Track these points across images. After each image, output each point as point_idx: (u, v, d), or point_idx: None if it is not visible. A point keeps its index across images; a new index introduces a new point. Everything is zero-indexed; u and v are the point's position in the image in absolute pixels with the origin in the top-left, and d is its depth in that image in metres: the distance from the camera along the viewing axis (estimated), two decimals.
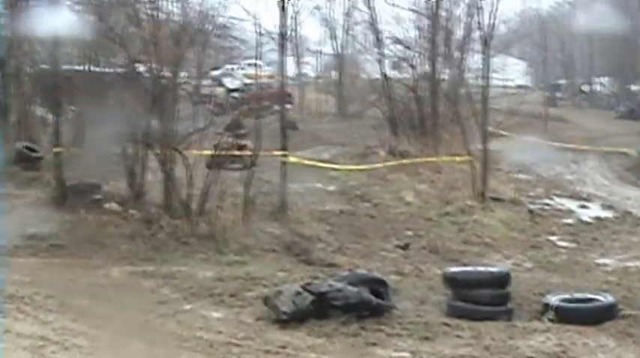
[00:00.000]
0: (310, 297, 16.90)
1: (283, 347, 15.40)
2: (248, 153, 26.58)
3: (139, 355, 15.19)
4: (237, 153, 25.45)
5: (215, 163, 25.07)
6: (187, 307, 18.18)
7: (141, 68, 26.92)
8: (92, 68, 31.40)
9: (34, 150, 30.14)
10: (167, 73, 26.29)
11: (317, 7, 42.32)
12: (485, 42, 33.18)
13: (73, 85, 30.13)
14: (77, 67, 30.99)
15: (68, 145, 28.31)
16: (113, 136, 26.77)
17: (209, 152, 25.12)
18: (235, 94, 40.23)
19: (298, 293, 17.04)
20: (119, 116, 26.53)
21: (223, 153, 25.31)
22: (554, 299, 17.46)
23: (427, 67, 37.96)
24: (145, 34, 27.31)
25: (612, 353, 15.18)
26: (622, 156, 36.93)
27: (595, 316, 16.90)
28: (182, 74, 28.10)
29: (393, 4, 41.28)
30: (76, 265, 21.12)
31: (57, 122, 28.41)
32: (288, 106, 31.57)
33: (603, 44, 55.23)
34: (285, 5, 28.71)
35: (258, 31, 31.29)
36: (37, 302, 17.83)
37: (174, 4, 28.79)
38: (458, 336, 16.11)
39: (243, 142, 28.28)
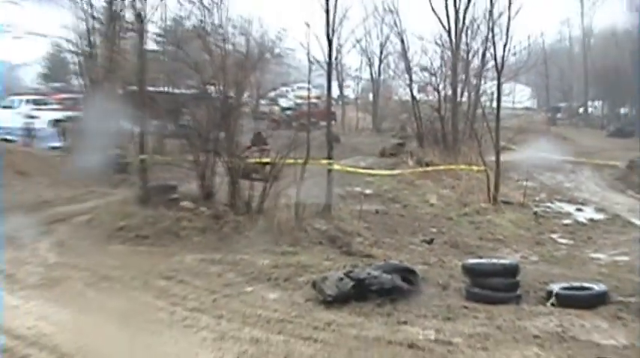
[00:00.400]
0: (351, 282, 16.94)
1: (329, 324, 15.41)
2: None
3: (208, 329, 15.18)
4: (290, 161, 25.27)
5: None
6: (249, 289, 18.19)
7: (211, 90, 26.92)
8: (171, 89, 31.48)
9: (123, 157, 30.27)
10: (232, 94, 26.35)
11: (357, 40, 42.14)
12: (498, 71, 33.20)
13: (155, 104, 30.22)
14: (159, 89, 31.07)
15: (151, 153, 28.40)
16: (187, 146, 26.90)
17: (267, 160, 25.11)
18: (288, 112, 40.14)
19: (341, 279, 17.10)
20: (193, 130, 26.68)
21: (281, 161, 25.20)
22: (556, 287, 17.49)
23: (449, 91, 37.88)
24: (215, 61, 27.39)
25: (605, 333, 15.18)
26: (612, 168, 36.79)
27: (590, 302, 16.95)
28: (245, 95, 28.16)
29: (421, 38, 41.28)
30: (157, 252, 21.21)
31: (142, 134, 28.54)
32: (332, 123, 31.48)
33: (596, 73, 54.89)
34: (331, 38, 28.74)
35: (308, 59, 31.68)
36: (125, 282, 17.94)
37: (239, 36, 28.87)
38: (475, 317, 16.08)
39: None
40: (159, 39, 34.28)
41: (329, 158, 27.76)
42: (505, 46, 33.89)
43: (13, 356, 12.88)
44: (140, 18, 30.10)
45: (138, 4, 30.45)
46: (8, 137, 38.82)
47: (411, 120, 40.40)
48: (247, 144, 23.90)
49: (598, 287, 17.58)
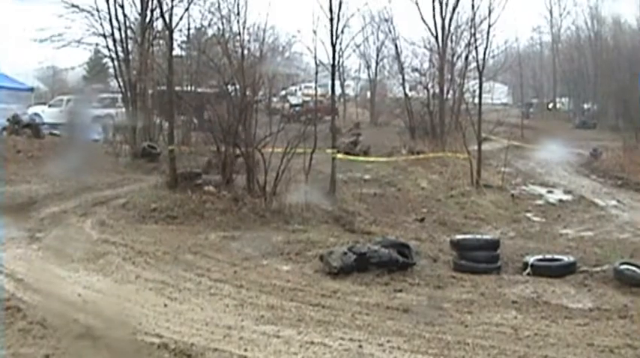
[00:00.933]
0: (354, 256, 17.02)
1: (334, 292, 15.52)
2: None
3: (230, 297, 15.18)
4: (300, 150, 25.30)
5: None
6: (264, 262, 18.26)
7: (230, 89, 26.90)
8: (195, 89, 31.48)
9: (154, 148, 30.29)
10: (249, 93, 26.33)
11: (357, 45, 42.17)
12: (479, 71, 33.30)
13: (182, 101, 30.24)
14: (185, 88, 31.08)
15: (178, 144, 28.44)
16: (210, 138, 26.92)
17: (280, 150, 25.10)
18: (297, 108, 40.07)
19: (345, 253, 17.18)
20: (215, 124, 26.69)
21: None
22: (531, 259, 17.81)
23: (437, 89, 37.91)
24: (234, 64, 27.39)
25: (573, 298, 15.49)
26: (577, 156, 36.80)
27: (560, 271, 17.23)
28: (259, 93, 28.17)
29: (412, 43, 41.35)
30: (184, 230, 21.24)
31: (170, 128, 28.57)
32: (335, 117, 31.48)
33: (563, 74, 55.03)
34: (335, 44, 28.79)
35: (315, 62, 31.78)
36: (157, 256, 18.00)
37: (255, 42, 28.85)
38: (461, 285, 16.29)
39: None
40: (184, 45, 34.28)
41: (333, 147, 27.80)
42: (485, 49, 34.23)
43: (64, 319, 12.88)
44: (168, 27, 30.07)
45: (166, 16, 30.51)
46: (55, 131, 38.90)
47: (403, 114, 40.50)
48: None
49: (567, 259, 17.87)
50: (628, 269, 16.46)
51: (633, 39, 48.48)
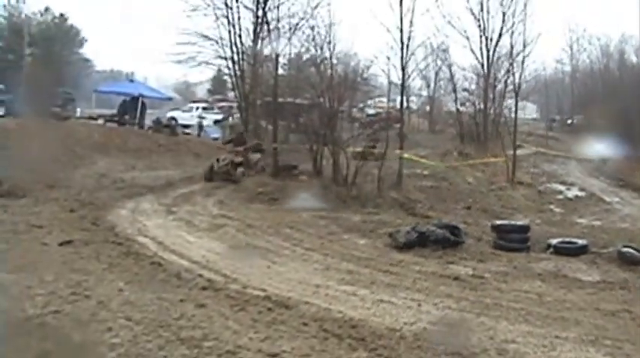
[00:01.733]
0: (415, 234, 17.06)
1: (400, 262, 15.64)
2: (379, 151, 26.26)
3: (318, 262, 15.27)
4: (374, 151, 25.30)
5: (361, 156, 25.01)
6: (345, 236, 18.35)
7: (321, 101, 27.01)
8: (294, 100, 31.62)
9: (261, 145, 30.41)
10: (335, 104, 26.40)
11: (420, 69, 42.03)
12: (516, 92, 33.17)
13: (283, 109, 30.41)
14: (285, 99, 31.21)
15: (280, 143, 28.57)
16: (304, 138, 27.02)
17: (359, 149, 25.13)
18: (372, 117, 39.95)
19: (408, 232, 17.25)
20: (308, 127, 26.82)
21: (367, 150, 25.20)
22: (553, 241, 17.60)
23: (482, 106, 37.65)
24: (324, 81, 27.49)
25: (585, 272, 15.47)
26: (590, 161, 36.27)
27: (576, 251, 17.04)
28: (344, 105, 28.24)
29: (463, 69, 41.15)
30: (283, 210, 21.34)
31: (274, 130, 28.83)
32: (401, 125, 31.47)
33: (580, 96, 54.43)
34: (404, 67, 28.82)
35: (388, 81, 32.17)
36: (262, 229, 18.18)
37: (340, 64, 29.06)
38: (499, 260, 16.25)
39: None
40: (285, 66, 34.49)
41: (400, 148, 27.77)
42: (520, 76, 34.03)
43: (193, 274, 13.09)
44: (275, 53, 30.37)
45: (274, 44, 30.88)
46: (187, 131, 39.50)
47: (455, 124, 40.34)
48: (226, 140, 24.91)
49: (581, 242, 17.67)
50: (628, 252, 16.55)
51: (634, 70, 47.94)
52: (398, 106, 34.89)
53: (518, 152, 30.93)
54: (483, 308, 12.34)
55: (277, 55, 30.98)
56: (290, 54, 34.42)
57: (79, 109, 41.64)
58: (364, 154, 25.50)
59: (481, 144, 35.57)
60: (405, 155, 28.25)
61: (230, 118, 40.60)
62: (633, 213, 25.13)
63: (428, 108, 49.81)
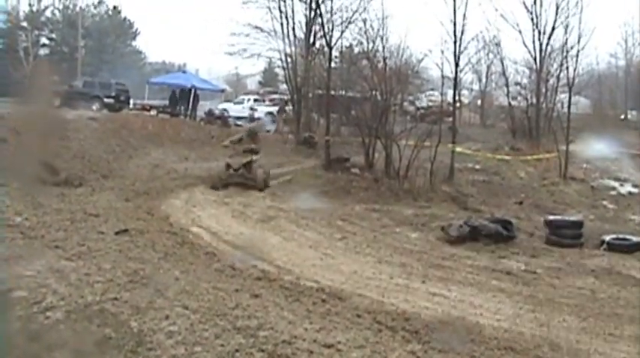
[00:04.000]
0: (468, 228, 17.18)
1: (452, 255, 15.79)
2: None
3: (370, 255, 15.41)
4: (426, 144, 25.16)
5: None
6: (397, 230, 18.42)
7: (373, 94, 27.03)
8: (346, 93, 31.69)
9: (313, 138, 30.57)
10: (387, 97, 26.39)
11: (473, 63, 41.74)
12: (569, 87, 32.79)
13: (335, 102, 30.47)
14: (337, 92, 31.29)
15: (332, 135, 28.61)
16: (357, 131, 27.06)
17: (411, 143, 25.03)
18: (423, 111, 39.78)
19: (461, 226, 17.35)
20: (360, 120, 26.84)
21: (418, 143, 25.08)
22: (607, 238, 17.52)
23: (534, 100, 37.29)
24: (376, 75, 27.52)
25: (625, 266, 15.62)
26: None
27: (630, 248, 16.96)
28: (396, 98, 28.19)
29: (515, 62, 40.80)
30: (335, 202, 21.35)
31: (327, 122, 28.96)
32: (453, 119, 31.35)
33: (634, 91, 53.67)
34: (457, 61, 28.77)
35: (442, 75, 32.16)
36: (315, 220, 18.19)
37: (393, 57, 29.04)
38: (551, 256, 16.32)
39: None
40: (337, 59, 34.52)
41: (453, 142, 27.71)
42: (574, 70, 33.67)
43: (247, 265, 13.25)
44: (329, 46, 30.43)
45: (327, 37, 30.94)
46: (238, 122, 39.66)
47: (507, 118, 40.10)
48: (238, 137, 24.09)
49: (635, 238, 17.55)
50: None
51: None
52: (450, 100, 34.79)
53: (571, 147, 30.54)
54: (536, 304, 12.36)
55: (330, 48, 31.05)
56: (342, 47, 34.51)
57: (132, 101, 42.05)
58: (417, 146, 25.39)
59: (533, 139, 35.18)
60: (458, 148, 28.15)
61: (284, 111, 40.69)
62: None
63: (479, 102, 49.43)
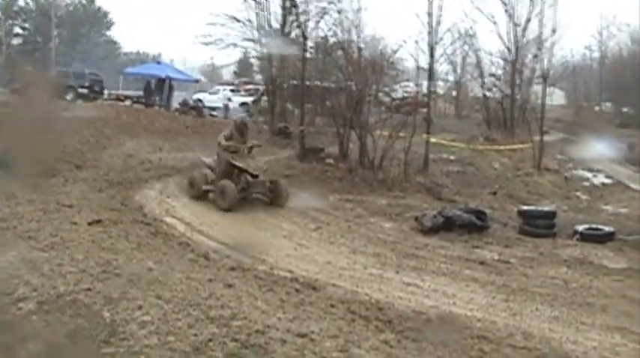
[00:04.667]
0: (442, 218, 17.32)
1: (426, 245, 15.90)
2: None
3: (345, 245, 15.42)
4: (401, 134, 25.16)
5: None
6: (372, 220, 18.53)
7: (347, 84, 27.03)
8: (321, 83, 31.64)
9: (287, 128, 30.45)
10: (361, 88, 26.39)
11: (448, 54, 41.80)
12: (544, 78, 33.01)
13: (310, 93, 30.42)
14: (312, 83, 31.22)
15: (307, 126, 28.56)
16: (331, 122, 27.03)
17: (385, 133, 25.04)
18: (397, 102, 39.75)
19: (435, 216, 17.52)
20: (335, 111, 26.80)
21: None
22: (580, 228, 17.73)
23: (509, 91, 37.46)
24: (351, 65, 27.53)
25: (611, 259, 15.70)
26: (617, 148, 35.97)
27: (602, 238, 17.23)
28: (370, 88, 28.18)
29: (490, 54, 40.79)
30: (309, 192, 21.23)
31: (301, 113, 28.86)
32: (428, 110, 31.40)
33: (608, 83, 54.01)
34: (432, 52, 28.90)
35: (417, 66, 32.34)
36: (290, 210, 18.08)
37: (368, 48, 29.12)
38: (525, 246, 16.52)
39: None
40: (312, 49, 34.44)
41: (427, 133, 27.76)
42: (548, 61, 33.98)
43: (221, 255, 13.28)
44: (303, 36, 30.39)
45: (302, 27, 30.90)
46: (213, 113, 39.57)
47: (482, 109, 40.15)
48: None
49: (608, 229, 17.81)
50: None
51: None
52: (425, 91, 34.85)
53: (546, 138, 30.71)
54: (509, 293, 12.47)
55: (305, 38, 30.98)
56: (318, 37, 34.46)
57: (106, 91, 41.76)
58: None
59: (508, 130, 35.31)
60: (432, 139, 28.21)
61: (259, 101, 40.56)
62: None
63: (455, 93, 49.51)
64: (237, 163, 18.65)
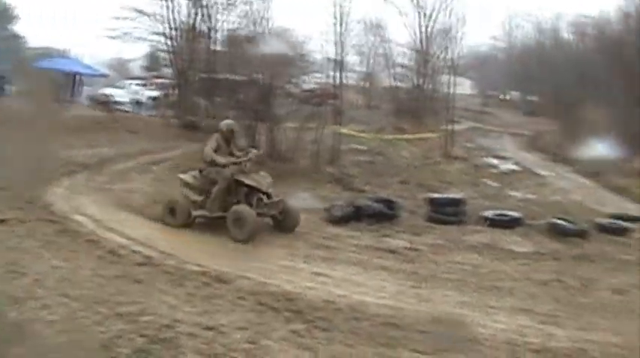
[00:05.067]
0: (351, 208, 17.19)
1: (335, 236, 15.81)
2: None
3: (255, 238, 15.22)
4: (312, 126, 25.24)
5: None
6: None
7: (257, 77, 26.98)
8: (230, 76, 31.52)
9: (197, 122, 30.24)
10: (271, 80, 26.38)
11: (358, 45, 42.20)
12: (451, 68, 33.57)
13: (219, 86, 30.26)
14: (223, 76, 31.06)
15: (216, 119, 28.36)
16: (241, 114, 26.90)
17: (296, 125, 25.12)
18: (307, 93, 39.84)
19: (344, 206, 17.39)
20: (245, 104, 26.71)
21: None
22: (488, 214, 17.84)
23: (418, 81, 38.04)
24: (261, 57, 27.51)
25: (519, 244, 16.09)
26: (523, 136, 36.86)
27: (510, 224, 17.46)
28: (280, 81, 28.16)
29: (400, 45, 41.36)
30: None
31: (210, 106, 28.74)
32: (337, 101, 31.52)
33: (515, 74, 55.10)
34: (342, 44, 29.13)
35: (327, 58, 33.43)
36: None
37: (277, 40, 29.20)
38: (434, 233, 16.60)
39: None
40: (221, 42, 34.37)
41: (338, 124, 27.89)
42: (456, 51, 34.65)
43: (129, 250, 13.13)
44: (209, 29, 30.26)
45: (210, 19, 30.79)
46: (123, 107, 39.11)
47: (392, 100, 40.53)
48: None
49: (515, 214, 18.01)
50: (558, 223, 17.15)
51: (566, 48, 48.63)
52: (335, 82, 35.01)
53: (455, 127, 31.19)
54: (419, 280, 12.61)
55: (210, 31, 30.87)
56: (226, 30, 34.33)
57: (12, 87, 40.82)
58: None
59: (417, 120, 35.80)
60: (343, 130, 28.35)
61: (168, 95, 40.18)
62: (565, 186, 25.52)
63: (365, 84, 49.83)
64: (247, 181, 15.59)
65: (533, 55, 52.51)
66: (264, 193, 15.57)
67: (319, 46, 35.78)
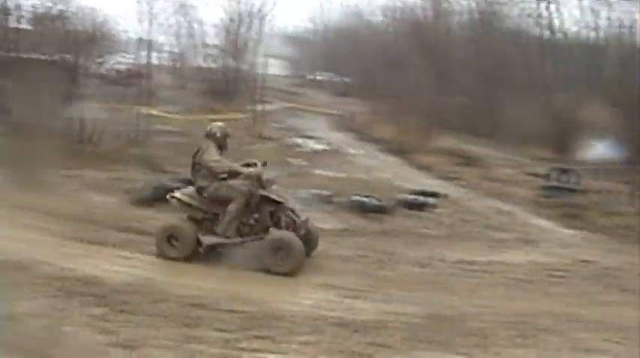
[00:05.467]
0: (151, 189, 17.65)
1: (138, 217, 15.98)
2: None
3: (52, 222, 14.89)
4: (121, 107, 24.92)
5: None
6: (88, 194, 18.19)
7: (63, 57, 26.27)
8: (35, 56, 30.52)
9: None
10: (76, 60, 25.84)
11: (169, 25, 42.10)
12: (262, 49, 34.15)
13: (21, 66, 29.11)
14: (28, 55, 29.94)
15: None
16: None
17: (103, 106, 24.69)
18: (115, 73, 39.19)
19: (144, 187, 17.83)
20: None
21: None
22: (302, 194, 18.18)
23: (230, 62, 38.49)
24: (66, 36, 26.90)
25: (327, 221, 16.70)
26: (333, 116, 37.61)
27: (320, 201, 18.04)
28: (86, 60, 27.51)
29: (215, 26, 41.68)
30: (17, 169, 20.03)
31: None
32: (145, 81, 31.23)
33: (330, 53, 56.27)
34: (150, 23, 29.11)
35: (138, 39, 33.84)
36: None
37: (85, 20, 28.58)
38: None
39: None
40: (25, 20, 33.14)
41: (145, 105, 27.55)
42: (267, 32, 35.38)
43: None
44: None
45: None
46: None
47: (204, 80, 40.49)
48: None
49: (325, 192, 18.79)
50: (360, 200, 17.93)
51: (378, 30, 50.07)
52: (145, 62, 34.63)
53: (267, 107, 31.48)
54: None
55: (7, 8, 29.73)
56: (31, 7, 33.24)
57: None
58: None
59: (228, 100, 35.91)
60: (153, 111, 28.05)
61: None
62: (374, 164, 26.33)
63: (175, 64, 49.47)
64: (272, 196, 13.03)
65: (346, 37, 53.80)
66: (290, 210, 13.23)
67: (128, 25, 35.33)
